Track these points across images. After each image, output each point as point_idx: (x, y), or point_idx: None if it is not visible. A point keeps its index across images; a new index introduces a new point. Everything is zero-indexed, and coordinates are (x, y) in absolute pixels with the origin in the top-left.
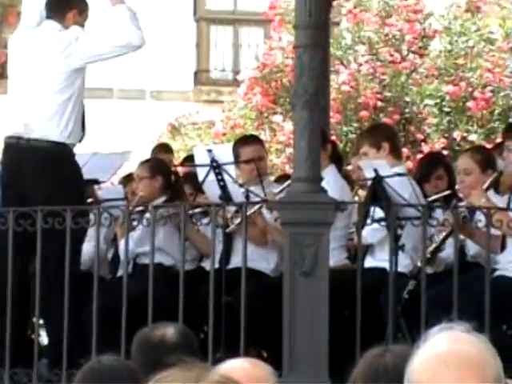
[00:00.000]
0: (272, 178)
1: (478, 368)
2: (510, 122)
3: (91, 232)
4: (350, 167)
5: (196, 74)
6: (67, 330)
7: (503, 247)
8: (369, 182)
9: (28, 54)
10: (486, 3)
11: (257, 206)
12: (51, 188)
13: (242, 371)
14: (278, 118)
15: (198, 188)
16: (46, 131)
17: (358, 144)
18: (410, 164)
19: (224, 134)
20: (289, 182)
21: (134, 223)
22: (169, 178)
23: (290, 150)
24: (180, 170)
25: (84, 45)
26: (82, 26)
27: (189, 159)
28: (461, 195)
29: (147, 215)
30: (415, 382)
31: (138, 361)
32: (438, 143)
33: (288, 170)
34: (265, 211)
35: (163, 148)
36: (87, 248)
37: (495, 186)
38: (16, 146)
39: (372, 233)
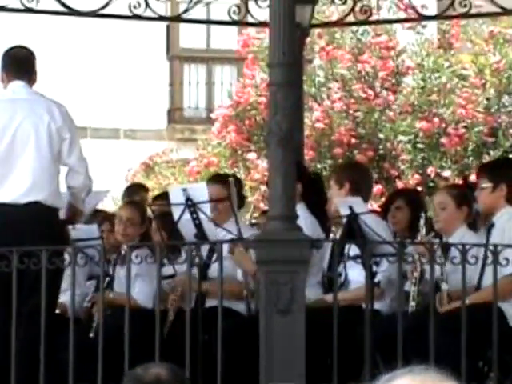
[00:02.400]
0: (247, 216)
1: None
2: (482, 163)
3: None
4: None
5: (170, 112)
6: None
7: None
8: (344, 220)
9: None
10: (459, 40)
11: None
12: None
13: None
14: (252, 156)
15: (162, 226)
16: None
17: (328, 179)
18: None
19: (198, 173)
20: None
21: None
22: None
23: (264, 188)
24: None
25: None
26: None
27: (159, 197)
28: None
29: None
30: None
31: None
32: (412, 179)
33: (263, 207)
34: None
35: (139, 187)
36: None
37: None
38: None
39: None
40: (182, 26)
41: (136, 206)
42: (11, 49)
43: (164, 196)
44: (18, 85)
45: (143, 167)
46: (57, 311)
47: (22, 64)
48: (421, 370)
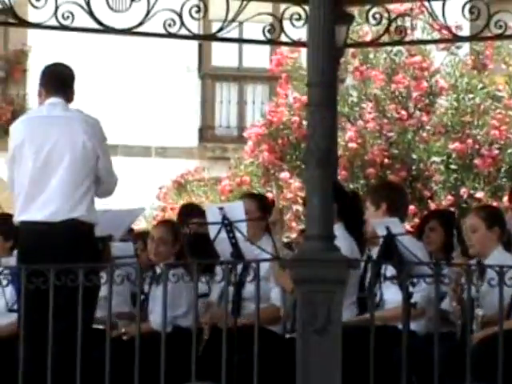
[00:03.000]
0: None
1: None
2: None
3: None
4: None
5: (201, 130)
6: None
7: None
8: (381, 240)
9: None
10: (492, 61)
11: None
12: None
13: None
14: (284, 175)
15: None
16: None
17: (365, 200)
18: (417, 221)
19: (231, 191)
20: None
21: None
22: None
23: (296, 207)
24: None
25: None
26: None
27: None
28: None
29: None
30: None
31: None
32: (444, 200)
33: (295, 226)
34: None
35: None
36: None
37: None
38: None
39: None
40: (214, 44)
41: (168, 224)
42: (50, 66)
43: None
44: (54, 101)
45: (175, 185)
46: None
47: (58, 81)
48: None
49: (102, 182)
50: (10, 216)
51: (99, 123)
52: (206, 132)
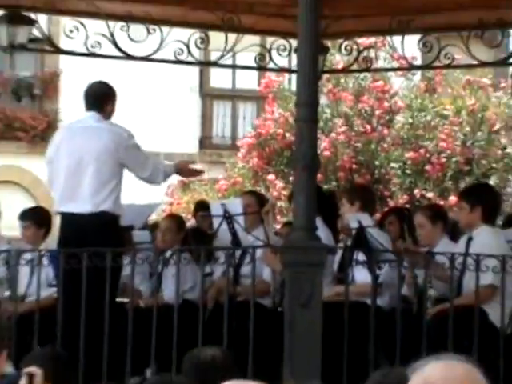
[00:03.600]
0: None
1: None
2: (462, 188)
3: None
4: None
5: (201, 139)
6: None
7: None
8: (353, 231)
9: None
10: (441, 86)
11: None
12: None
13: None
14: (271, 177)
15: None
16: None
17: (340, 198)
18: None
19: (226, 190)
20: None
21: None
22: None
23: (280, 203)
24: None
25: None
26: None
27: (201, 209)
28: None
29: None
30: None
31: (191, 378)
32: (401, 199)
33: (279, 219)
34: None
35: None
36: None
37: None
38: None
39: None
40: (212, 68)
41: (174, 217)
42: (89, 84)
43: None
44: (89, 114)
45: (180, 184)
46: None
47: (92, 97)
48: (452, 358)
49: (140, 178)
50: (43, 208)
51: (127, 134)
52: (205, 141)
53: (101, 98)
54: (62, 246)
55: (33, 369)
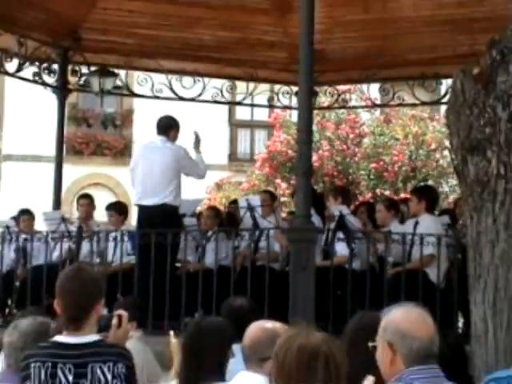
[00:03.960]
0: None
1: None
2: (414, 187)
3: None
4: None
5: (229, 155)
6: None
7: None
8: (336, 217)
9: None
10: (395, 118)
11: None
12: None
13: None
14: (278, 181)
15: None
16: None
17: (327, 195)
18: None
19: (247, 189)
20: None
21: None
22: (221, 215)
23: (284, 199)
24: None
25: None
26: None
27: (232, 203)
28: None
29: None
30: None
31: (226, 319)
32: (367, 196)
33: (284, 209)
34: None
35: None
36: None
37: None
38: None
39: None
40: (237, 107)
41: (213, 208)
42: (160, 117)
43: (234, 202)
44: (159, 138)
45: (216, 186)
46: None
47: (161, 126)
48: (409, 305)
49: (196, 178)
50: (122, 202)
51: (183, 150)
52: (232, 156)
53: (166, 127)
54: (139, 227)
55: (121, 311)
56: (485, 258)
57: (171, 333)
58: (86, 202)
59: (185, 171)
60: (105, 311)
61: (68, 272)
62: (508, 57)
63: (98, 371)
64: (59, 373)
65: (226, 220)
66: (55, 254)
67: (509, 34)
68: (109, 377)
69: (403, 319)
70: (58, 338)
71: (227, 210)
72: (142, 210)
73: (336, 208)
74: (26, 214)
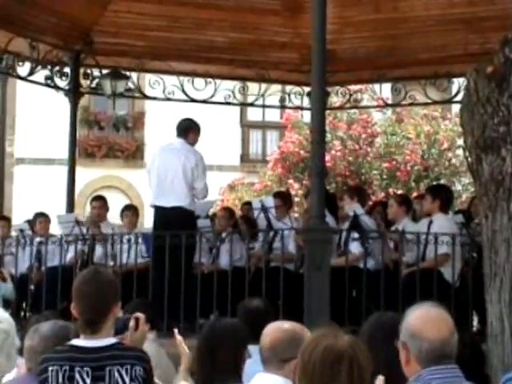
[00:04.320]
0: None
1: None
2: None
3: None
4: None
5: (242, 155)
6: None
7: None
8: (350, 217)
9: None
10: (406, 117)
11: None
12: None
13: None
14: (290, 181)
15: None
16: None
17: (341, 194)
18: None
19: (260, 190)
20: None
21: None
22: (235, 216)
23: (296, 199)
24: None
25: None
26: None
27: (246, 204)
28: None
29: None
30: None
31: (242, 320)
32: (379, 196)
33: (296, 210)
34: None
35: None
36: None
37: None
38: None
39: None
40: (249, 107)
41: (227, 209)
42: (181, 119)
43: (247, 203)
44: (177, 140)
45: (228, 187)
46: None
47: (178, 129)
48: (429, 305)
49: (198, 190)
50: (134, 205)
51: (199, 156)
52: (244, 157)
53: (185, 130)
54: (155, 228)
55: (139, 314)
56: (500, 257)
57: (175, 330)
58: (99, 203)
59: (193, 178)
60: (120, 313)
61: (85, 275)
62: None
63: (116, 374)
64: (77, 376)
65: (241, 222)
66: (69, 256)
67: None
68: (127, 379)
69: (416, 319)
70: (75, 342)
71: (243, 214)
72: (159, 211)
73: (350, 208)
74: (42, 217)
